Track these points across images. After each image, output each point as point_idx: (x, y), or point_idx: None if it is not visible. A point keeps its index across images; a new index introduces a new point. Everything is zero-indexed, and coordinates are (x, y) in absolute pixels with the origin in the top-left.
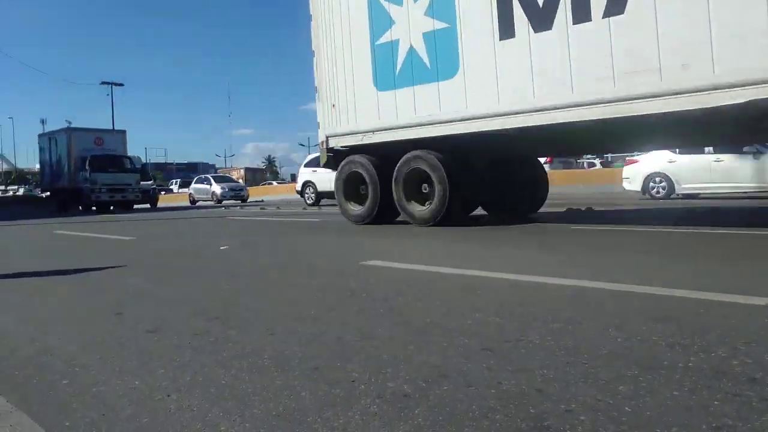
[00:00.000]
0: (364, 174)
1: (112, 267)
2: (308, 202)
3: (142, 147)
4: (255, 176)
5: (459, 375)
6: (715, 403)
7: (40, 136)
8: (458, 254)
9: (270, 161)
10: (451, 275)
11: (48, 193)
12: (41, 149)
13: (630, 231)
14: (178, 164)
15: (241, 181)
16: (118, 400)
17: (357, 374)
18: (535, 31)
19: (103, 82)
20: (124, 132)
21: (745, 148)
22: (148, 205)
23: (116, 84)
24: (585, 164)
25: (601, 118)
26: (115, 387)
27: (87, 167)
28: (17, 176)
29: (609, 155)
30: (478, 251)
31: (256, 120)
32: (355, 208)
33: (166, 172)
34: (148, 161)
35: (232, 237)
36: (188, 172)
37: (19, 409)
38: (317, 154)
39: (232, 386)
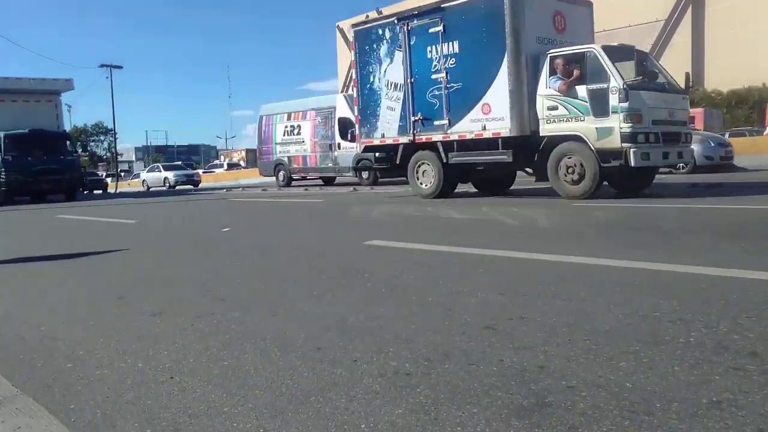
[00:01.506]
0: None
1: (115, 250)
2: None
3: (142, 130)
4: (256, 157)
5: (461, 353)
6: (716, 377)
7: None
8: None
9: None
10: (452, 254)
11: None
12: None
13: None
14: (179, 146)
15: (242, 162)
16: (121, 382)
17: (359, 354)
18: None
19: (102, 65)
20: None
21: None
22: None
23: (115, 66)
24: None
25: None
26: (119, 370)
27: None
28: None
29: None
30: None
31: (257, 101)
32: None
33: (167, 155)
34: (149, 143)
35: (232, 220)
36: (189, 154)
37: (25, 393)
38: None
39: (235, 368)
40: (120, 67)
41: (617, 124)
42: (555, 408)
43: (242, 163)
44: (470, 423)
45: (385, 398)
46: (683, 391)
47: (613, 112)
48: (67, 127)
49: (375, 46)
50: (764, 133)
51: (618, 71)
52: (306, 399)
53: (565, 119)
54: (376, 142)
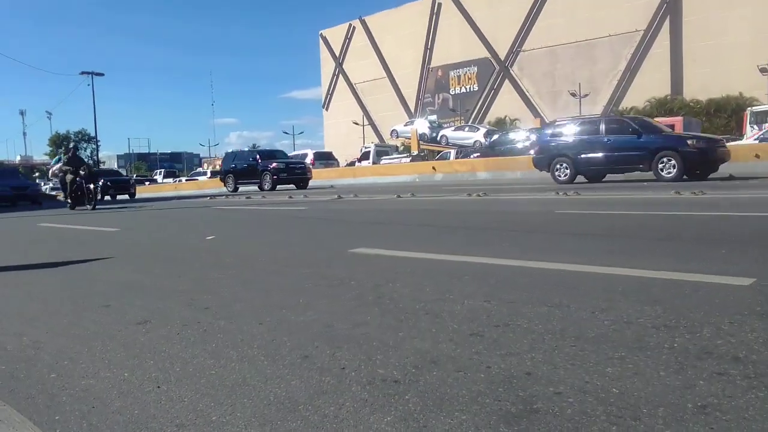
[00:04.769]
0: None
1: (99, 259)
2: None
3: (125, 137)
4: None
5: (449, 360)
6: (701, 382)
7: None
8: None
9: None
10: (439, 261)
11: None
12: None
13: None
14: (161, 154)
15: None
16: (107, 392)
17: (347, 362)
18: None
19: (83, 72)
20: None
21: None
22: None
23: (96, 74)
24: None
25: None
26: (104, 379)
27: None
28: None
29: None
30: None
31: (239, 109)
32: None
33: (150, 163)
34: (132, 151)
35: (216, 228)
36: (172, 161)
37: (8, 404)
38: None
39: (222, 376)
40: (101, 75)
41: None
42: (543, 414)
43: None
44: (459, 430)
45: (373, 406)
46: (669, 396)
47: None
48: (49, 134)
49: None
50: (744, 139)
51: None
52: (294, 407)
53: None
54: None
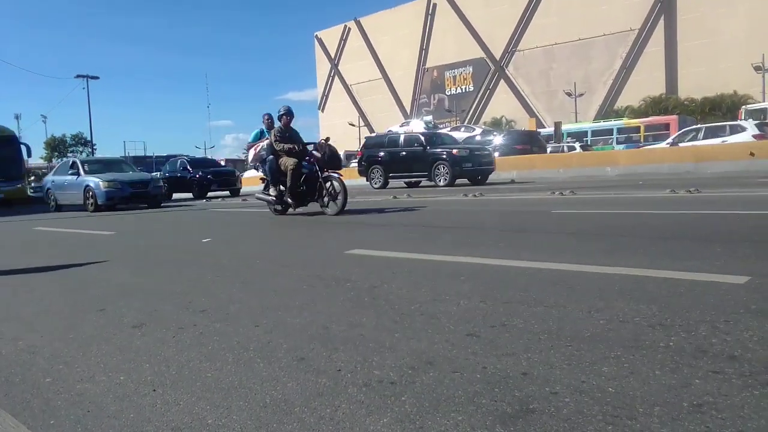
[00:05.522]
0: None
1: (94, 262)
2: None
3: (120, 140)
4: (236, 166)
5: (445, 361)
6: (696, 381)
7: None
8: None
9: None
10: (435, 262)
11: None
12: None
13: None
14: (158, 157)
15: None
16: (103, 396)
17: (343, 363)
18: None
19: (78, 75)
20: None
21: None
22: None
23: (91, 77)
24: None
25: None
26: (99, 383)
27: None
28: None
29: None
30: None
31: (235, 111)
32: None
33: (145, 165)
34: (127, 154)
35: (212, 230)
36: None
37: (2, 409)
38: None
39: (218, 379)
40: (96, 78)
41: None
42: (539, 414)
43: None
44: (455, 431)
45: (369, 408)
46: (665, 395)
47: None
48: (44, 138)
49: None
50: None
51: None
52: (290, 410)
53: None
54: None
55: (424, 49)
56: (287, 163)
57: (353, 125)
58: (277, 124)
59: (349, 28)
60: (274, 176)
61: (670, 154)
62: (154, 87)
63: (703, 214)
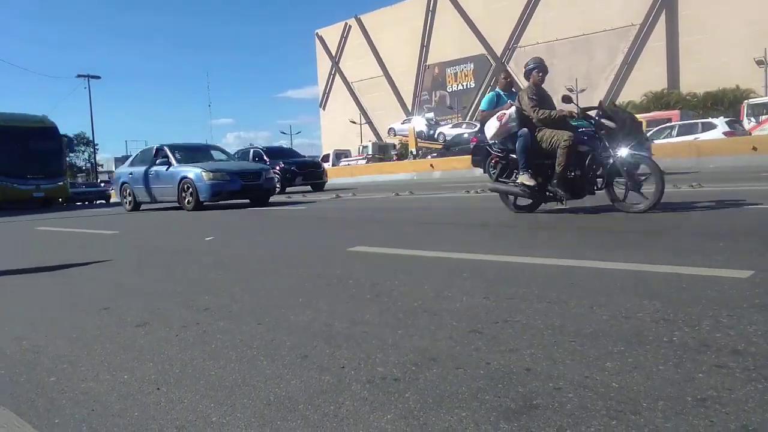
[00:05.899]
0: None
1: (98, 262)
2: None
3: (122, 139)
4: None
5: (448, 357)
6: (700, 375)
7: None
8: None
9: None
10: (438, 259)
11: None
12: None
13: None
14: None
15: None
16: (107, 395)
17: (346, 360)
18: None
19: (79, 75)
20: None
21: None
22: None
23: (93, 77)
24: None
25: None
26: (103, 382)
27: None
28: None
29: None
30: None
31: (236, 109)
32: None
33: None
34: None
35: (214, 229)
36: None
37: (8, 408)
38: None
39: (222, 377)
40: (98, 77)
41: None
42: (543, 410)
43: None
44: (459, 427)
45: (373, 405)
46: (668, 390)
47: None
48: None
49: None
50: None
51: None
52: (294, 407)
53: None
54: None
55: (425, 46)
56: (558, 137)
57: (354, 122)
58: (533, 86)
59: (350, 26)
60: (528, 157)
61: (672, 149)
62: (155, 86)
63: (703, 209)
